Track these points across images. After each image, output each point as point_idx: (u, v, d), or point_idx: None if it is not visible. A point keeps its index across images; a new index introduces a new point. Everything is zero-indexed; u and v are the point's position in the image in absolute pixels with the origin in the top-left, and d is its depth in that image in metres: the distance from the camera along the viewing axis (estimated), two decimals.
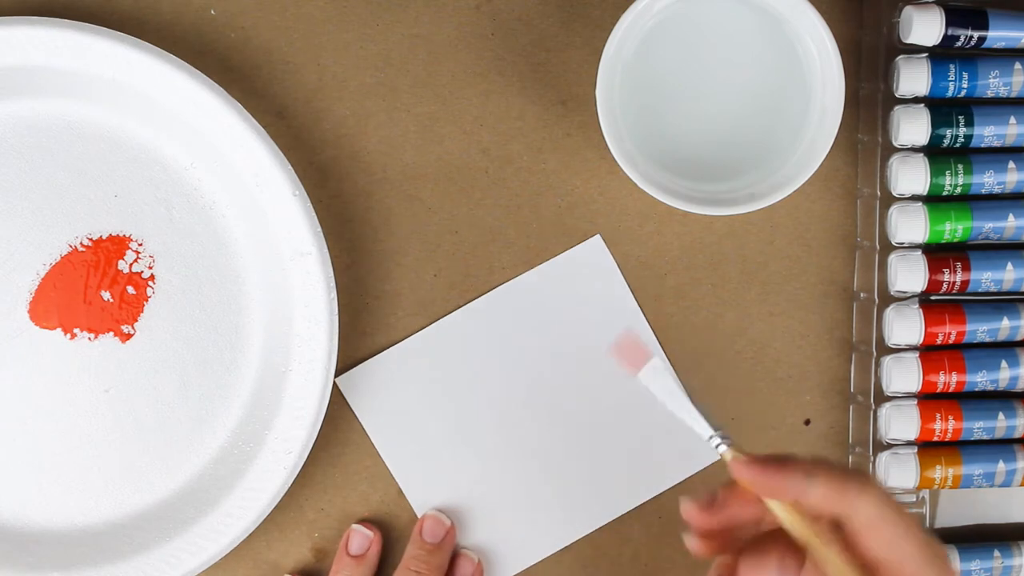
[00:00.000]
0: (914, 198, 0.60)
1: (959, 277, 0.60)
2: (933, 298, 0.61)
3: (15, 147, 0.58)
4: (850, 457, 0.62)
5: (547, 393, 0.61)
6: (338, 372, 0.60)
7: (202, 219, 0.59)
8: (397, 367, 0.61)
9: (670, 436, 0.61)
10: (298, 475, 0.58)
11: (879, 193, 0.61)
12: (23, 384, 0.59)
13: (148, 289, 0.59)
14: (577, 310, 0.61)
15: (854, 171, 0.62)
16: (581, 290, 0.61)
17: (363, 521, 0.61)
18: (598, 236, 0.61)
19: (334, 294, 0.58)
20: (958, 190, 0.59)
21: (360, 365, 0.60)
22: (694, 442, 0.61)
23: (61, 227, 0.59)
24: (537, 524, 0.61)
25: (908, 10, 0.58)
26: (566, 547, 0.62)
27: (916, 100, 0.60)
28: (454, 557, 0.61)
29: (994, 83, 0.59)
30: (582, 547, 0.62)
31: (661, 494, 0.62)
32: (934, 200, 0.60)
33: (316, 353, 0.58)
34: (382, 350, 0.61)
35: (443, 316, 0.61)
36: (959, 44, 0.59)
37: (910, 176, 0.59)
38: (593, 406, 0.61)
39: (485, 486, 0.61)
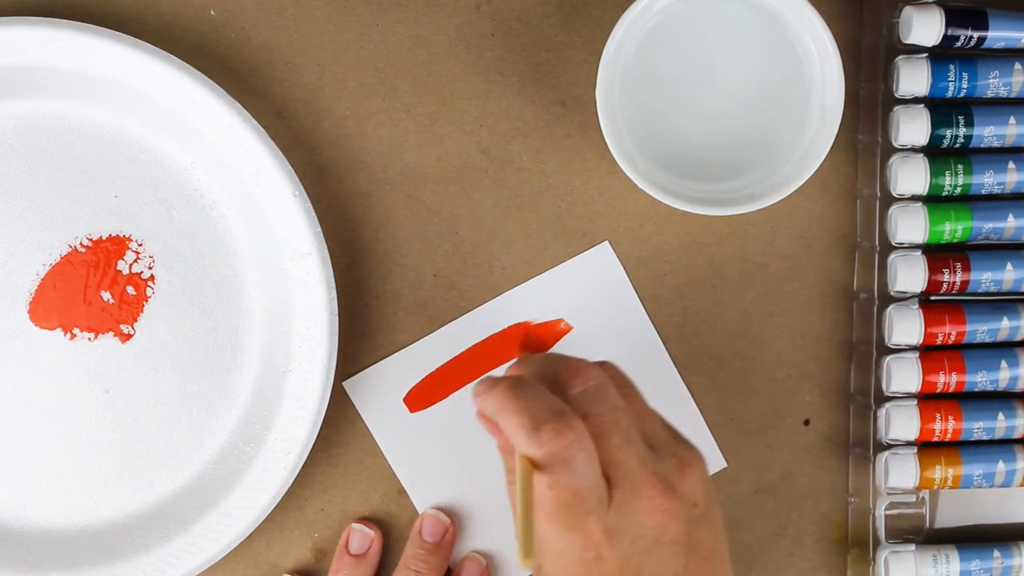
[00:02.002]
0: (914, 198, 0.60)
1: (959, 277, 0.60)
2: (933, 298, 0.61)
3: (15, 147, 0.58)
4: (850, 458, 0.62)
5: None
6: (340, 373, 0.60)
7: (202, 219, 0.59)
8: (405, 371, 0.61)
9: None
10: (298, 475, 0.58)
11: (879, 193, 0.61)
12: (23, 384, 0.59)
13: (148, 289, 0.59)
14: (584, 316, 0.61)
15: (854, 171, 0.62)
16: (588, 296, 0.61)
17: (363, 520, 0.61)
18: (606, 243, 0.61)
19: (334, 294, 0.58)
20: (958, 190, 0.59)
21: (368, 369, 0.60)
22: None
23: (61, 227, 0.59)
24: None
25: (908, 10, 0.58)
26: None
27: (916, 100, 0.60)
28: (462, 560, 0.61)
29: (994, 83, 0.59)
30: None
31: None
32: (934, 200, 0.60)
33: (316, 353, 0.58)
34: (382, 350, 0.61)
35: (445, 317, 0.61)
36: (959, 44, 0.59)
37: (910, 176, 0.59)
38: None
39: (491, 491, 0.61)
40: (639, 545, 0.46)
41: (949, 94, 0.59)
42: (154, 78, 0.56)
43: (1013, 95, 0.59)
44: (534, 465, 0.45)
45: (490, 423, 0.48)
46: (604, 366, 0.49)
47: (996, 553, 0.61)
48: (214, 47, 0.60)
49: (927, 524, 0.62)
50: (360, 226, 0.61)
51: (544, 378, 0.48)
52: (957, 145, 0.59)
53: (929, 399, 0.61)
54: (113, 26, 0.58)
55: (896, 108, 0.60)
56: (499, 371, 0.61)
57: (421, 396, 0.61)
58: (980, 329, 0.60)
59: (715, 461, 0.62)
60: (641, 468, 0.46)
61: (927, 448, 0.61)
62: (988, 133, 0.59)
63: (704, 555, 0.47)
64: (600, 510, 0.45)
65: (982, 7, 0.59)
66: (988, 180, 0.59)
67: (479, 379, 0.50)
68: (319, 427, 0.58)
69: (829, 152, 0.56)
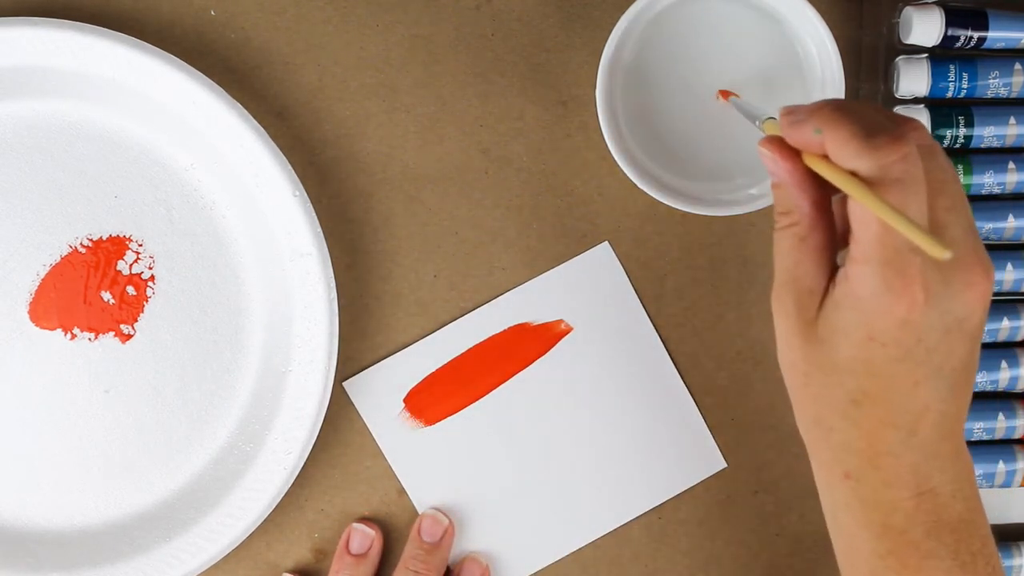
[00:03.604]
0: None
1: None
2: None
3: (15, 147, 0.58)
4: None
5: (552, 399, 0.61)
6: (340, 374, 0.60)
7: (202, 219, 0.59)
8: (405, 371, 0.61)
9: (674, 445, 0.61)
10: (298, 475, 0.58)
11: None
12: (23, 384, 0.59)
13: (148, 290, 0.59)
14: (583, 316, 0.61)
15: None
16: (588, 296, 0.61)
17: (364, 520, 0.61)
18: (606, 243, 0.61)
19: (334, 294, 0.58)
20: None
21: (368, 369, 0.61)
22: (697, 452, 0.62)
23: (61, 228, 0.59)
24: (541, 531, 0.61)
25: (908, 10, 0.58)
26: None
27: (916, 101, 0.60)
28: (462, 560, 0.61)
29: (994, 84, 0.59)
30: (582, 548, 0.62)
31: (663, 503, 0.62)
32: None
33: (316, 353, 0.58)
34: (382, 350, 0.61)
35: (445, 317, 0.61)
36: (959, 45, 0.59)
37: None
38: (597, 413, 0.61)
39: (491, 492, 0.61)
40: (944, 320, 0.42)
41: (949, 94, 0.59)
42: (154, 78, 0.56)
43: (1013, 95, 0.59)
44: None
45: (778, 150, 0.44)
46: (923, 127, 0.44)
47: None
48: (214, 47, 0.60)
49: None
50: (360, 226, 0.61)
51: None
52: (957, 145, 0.59)
53: None
54: (113, 26, 0.57)
55: (896, 108, 0.60)
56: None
57: (422, 397, 0.61)
58: None
59: (715, 461, 0.62)
60: (966, 238, 0.43)
61: None
62: (988, 133, 0.59)
63: (972, 365, 0.44)
64: (925, 267, 0.41)
65: (982, 7, 0.59)
66: (988, 180, 0.59)
67: (787, 109, 0.45)
68: (319, 427, 0.58)
69: None
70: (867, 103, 0.44)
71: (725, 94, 0.56)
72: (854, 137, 0.41)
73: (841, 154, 0.41)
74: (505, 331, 0.61)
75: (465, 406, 0.61)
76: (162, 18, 0.59)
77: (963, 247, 0.43)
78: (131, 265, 0.59)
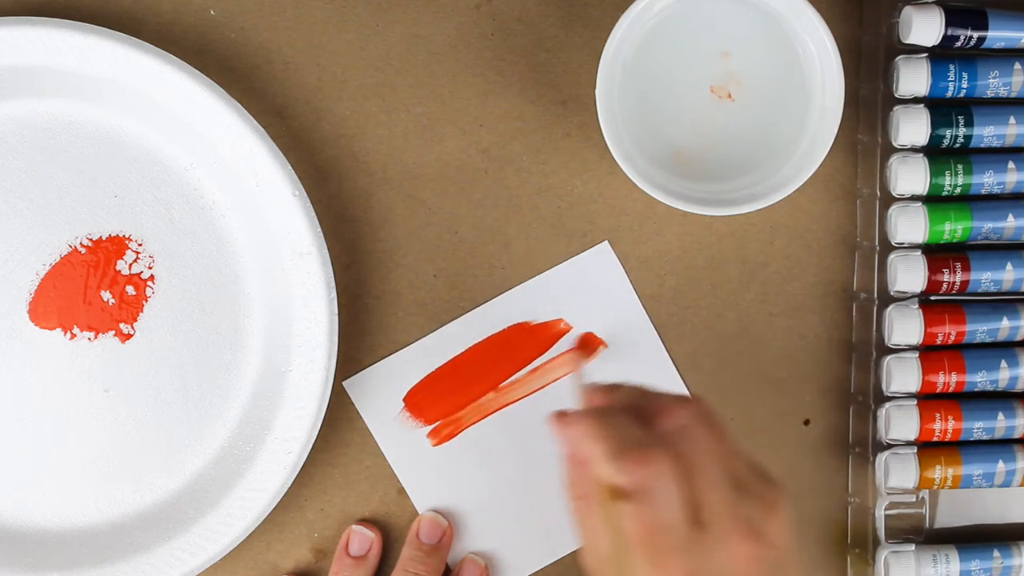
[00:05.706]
0: (914, 198, 0.60)
1: (959, 277, 0.60)
2: (933, 298, 0.61)
3: (15, 147, 0.58)
4: (850, 458, 0.62)
5: (552, 398, 0.61)
6: (341, 373, 0.60)
7: (202, 219, 0.59)
8: (405, 371, 0.61)
9: None
10: (298, 475, 0.58)
11: (879, 193, 0.61)
12: (23, 384, 0.59)
13: (148, 289, 0.59)
14: (584, 316, 0.61)
15: (854, 171, 0.62)
16: (588, 296, 0.61)
17: (363, 521, 0.61)
18: (606, 243, 0.61)
19: (334, 294, 0.58)
20: (958, 190, 0.59)
21: (368, 369, 0.61)
22: None
23: (61, 227, 0.59)
24: (541, 531, 0.61)
25: (908, 10, 0.58)
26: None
27: (916, 100, 0.60)
28: (460, 561, 0.61)
29: (994, 83, 0.59)
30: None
31: None
32: (934, 200, 0.60)
33: (316, 353, 0.58)
34: (382, 350, 0.61)
35: (445, 317, 0.61)
36: (959, 44, 0.59)
37: (910, 176, 0.59)
38: None
39: (491, 491, 0.61)
40: None
41: (949, 94, 0.59)
42: (154, 78, 0.57)
43: (1013, 95, 0.59)
44: (616, 495, 0.45)
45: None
46: (692, 403, 0.48)
47: (996, 553, 0.61)
48: (214, 47, 0.60)
49: (927, 524, 0.62)
50: (360, 226, 0.61)
51: (629, 411, 0.48)
52: (957, 145, 0.59)
53: (929, 399, 0.61)
54: (113, 26, 0.58)
55: (896, 108, 0.60)
56: (562, 385, 0.61)
57: (421, 397, 0.61)
58: (980, 329, 0.60)
59: None
60: (727, 512, 0.45)
61: (927, 448, 0.61)
62: (988, 133, 0.59)
63: None
64: (685, 549, 0.44)
65: (982, 7, 0.59)
66: (988, 180, 0.59)
67: (556, 412, 0.50)
68: (319, 427, 0.58)
69: (829, 152, 0.56)
70: (623, 415, 0.48)
71: None
72: (604, 454, 0.45)
73: (598, 469, 0.46)
74: (505, 330, 0.61)
75: (465, 406, 0.61)
76: (162, 18, 0.59)
77: (725, 521, 0.45)
78: (131, 265, 0.59)
